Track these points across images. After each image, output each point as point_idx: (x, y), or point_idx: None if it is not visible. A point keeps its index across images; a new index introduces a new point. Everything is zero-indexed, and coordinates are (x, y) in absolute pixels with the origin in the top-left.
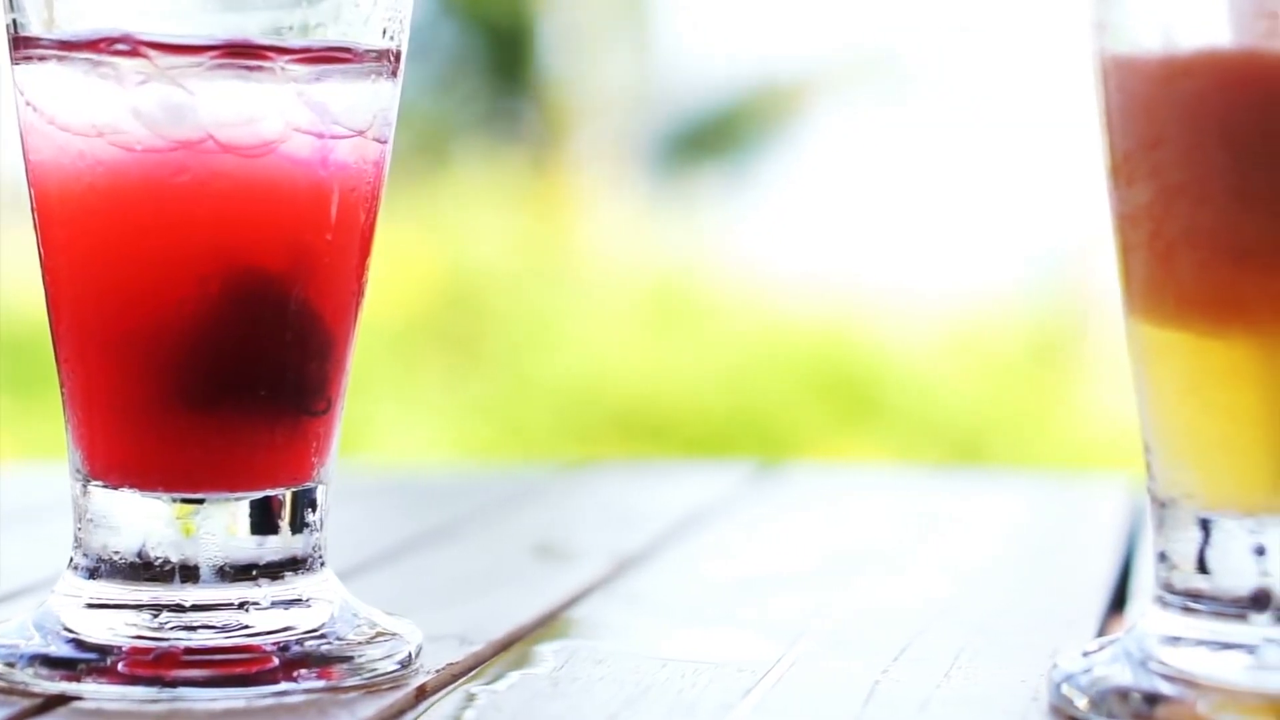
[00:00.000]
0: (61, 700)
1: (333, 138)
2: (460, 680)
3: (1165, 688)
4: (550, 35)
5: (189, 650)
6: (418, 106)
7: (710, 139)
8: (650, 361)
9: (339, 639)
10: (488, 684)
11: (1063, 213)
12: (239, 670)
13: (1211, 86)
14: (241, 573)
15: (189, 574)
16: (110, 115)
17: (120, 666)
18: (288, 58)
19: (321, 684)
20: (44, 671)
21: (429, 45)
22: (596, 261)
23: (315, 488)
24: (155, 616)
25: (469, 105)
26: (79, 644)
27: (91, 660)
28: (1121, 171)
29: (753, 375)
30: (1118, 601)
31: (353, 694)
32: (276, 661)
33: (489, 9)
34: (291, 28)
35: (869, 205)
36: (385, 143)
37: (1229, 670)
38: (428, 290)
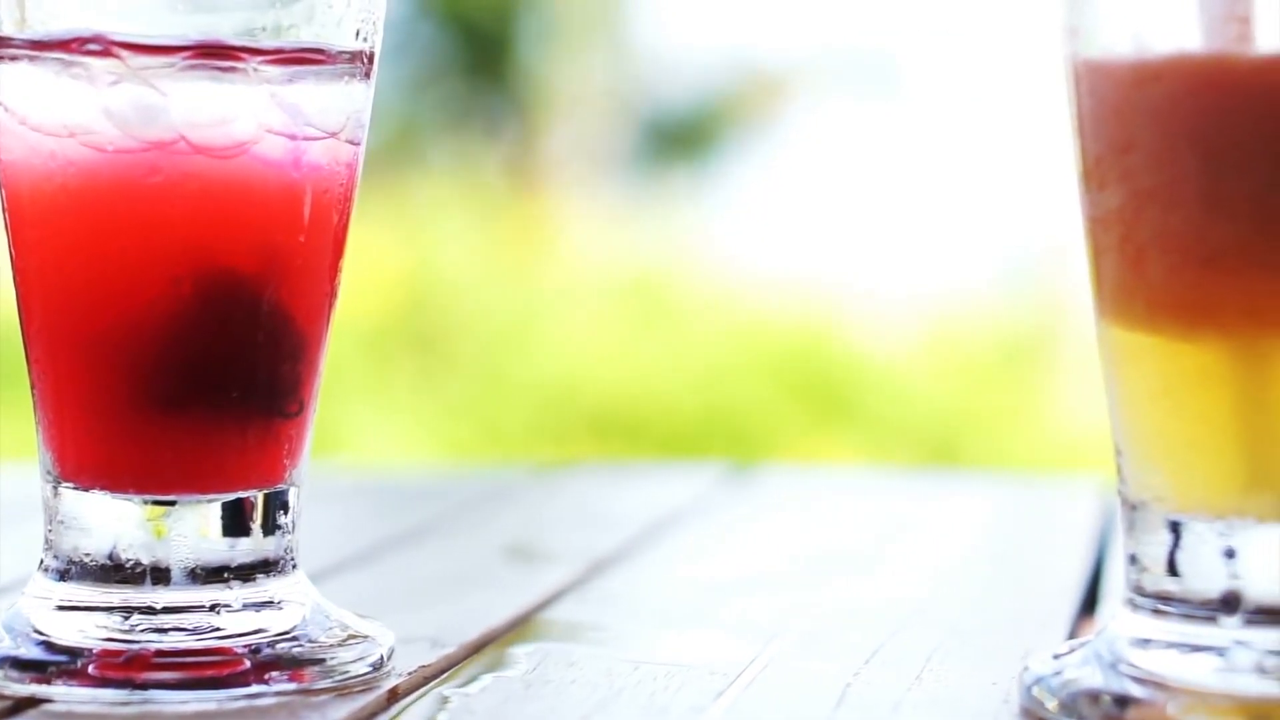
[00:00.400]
0: (31, 703)
1: (305, 139)
2: (432, 683)
3: (1135, 690)
4: (527, 35)
5: (160, 652)
6: (393, 107)
7: (686, 138)
8: (625, 362)
9: (311, 641)
10: (460, 686)
11: (1037, 215)
12: (210, 673)
13: (1182, 91)
14: (213, 575)
15: (160, 576)
16: (82, 116)
17: (91, 669)
18: (260, 59)
19: (293, 686)
20: (14, 674)
21: (404, 45)
22: (571, 262)
23: (287, 490)
24: (126, 619)
25: (445, 105)
26: (49, 646)
27: (62, 662)
28: (1093, 176)
29: (728, 376)
30: (1089, 604)
31: (324, 697)
32: (248, 664)
33: (465, 9)
34: (264, 29)
35: (844, 206)
36: (358, 144)
37: (1199, 672)
38: (402, 291)
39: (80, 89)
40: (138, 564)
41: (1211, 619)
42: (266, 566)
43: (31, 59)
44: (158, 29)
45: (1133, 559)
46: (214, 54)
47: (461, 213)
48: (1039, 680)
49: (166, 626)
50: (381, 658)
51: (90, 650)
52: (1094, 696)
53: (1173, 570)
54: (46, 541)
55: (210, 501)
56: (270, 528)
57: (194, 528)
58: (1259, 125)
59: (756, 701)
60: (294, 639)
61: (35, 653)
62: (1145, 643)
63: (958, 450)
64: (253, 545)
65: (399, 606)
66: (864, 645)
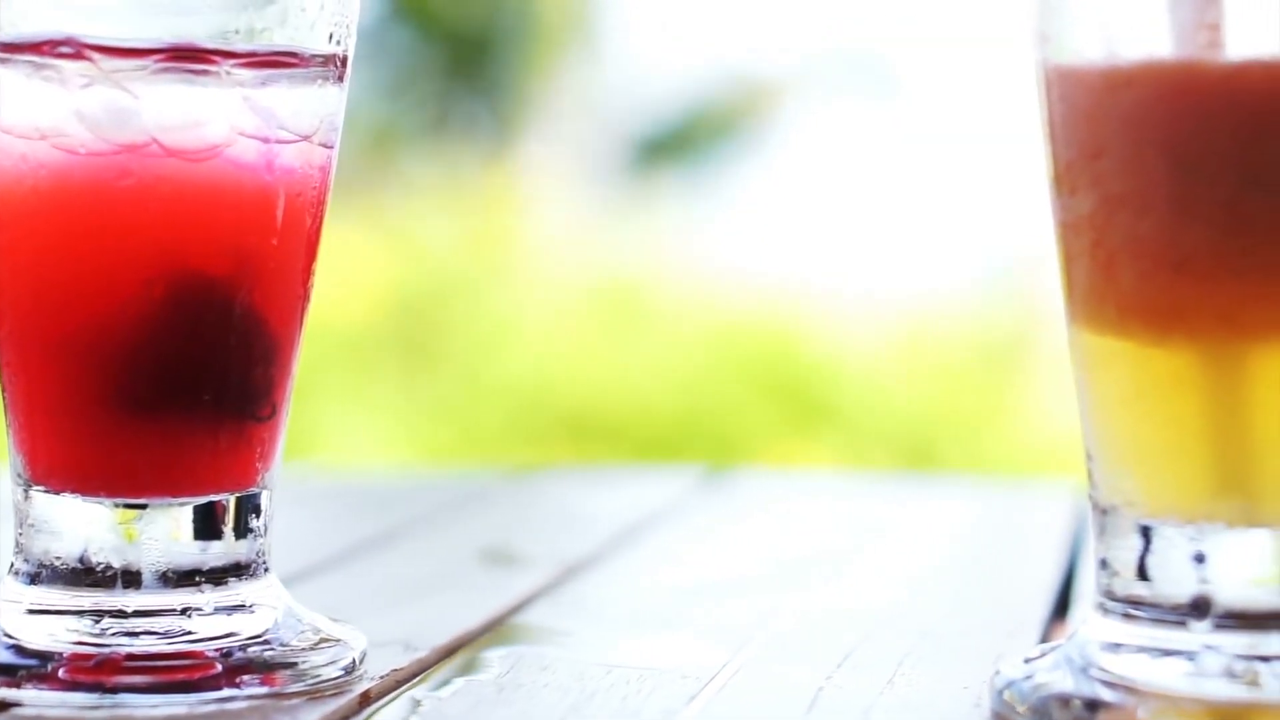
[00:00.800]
0: (1, 707)
1: (278, 142)
2: (405, 686)
3: (1106, 694)
4: (506, 40)
5: (131, 656)
6: (373, 111)
7: (665, 143)
8: (602, 365)
9: (283, 645)
10: (432, 690)
11: (1015, 219)
12: (181, 677)
13: (1152, 97)
14: (184, 578)
15: (131, 579)
16: (54, 118)
17: (61, 673)
18: (233, 62)
19: (265, 690)
20: None
21: (383, 49)
22: (549, 265)
23: (259, 493)
24: (97, 622)
25: (424, 109)
26: (19, 650)
27: (32, 666)
28: (1064, 181)
29: (705, 379)
30: (1061, 608)
31: (296, 700)
32: (219, 668)
33: (444, 13)
34: (238, 32)
35: (821, 210)
36: (331, 148)
37: (1169, 677)
38: (382, 294)
39: (52, 91)
40: (109, 567)
41: (1181, 623)
42: (238, 570)
43: (2, 61)
44: (130, 31)
45: (1103, 563)
46: (187, 57)
47: (440, 216)
48: (1010, 684)
49: (137, 630)
50: (354, 661)
51: (60, 654)
52: (1064, 701)
53: (1143, 575)
54: (17, 545)
55: (182, 505)
56: (242, 531)
57: (165, 531)
58: (1229, 131)
59: (728, 705)
60: (266, 643)
61: (5, 657)
62: (1116, 647)
63: (934, 454)
64: (224, 549)
65: (372, 610)
66: (837, 649)
